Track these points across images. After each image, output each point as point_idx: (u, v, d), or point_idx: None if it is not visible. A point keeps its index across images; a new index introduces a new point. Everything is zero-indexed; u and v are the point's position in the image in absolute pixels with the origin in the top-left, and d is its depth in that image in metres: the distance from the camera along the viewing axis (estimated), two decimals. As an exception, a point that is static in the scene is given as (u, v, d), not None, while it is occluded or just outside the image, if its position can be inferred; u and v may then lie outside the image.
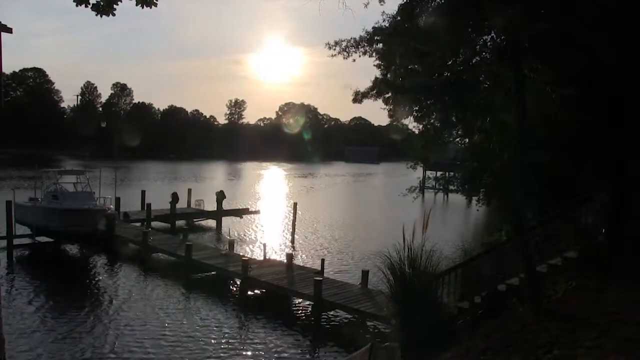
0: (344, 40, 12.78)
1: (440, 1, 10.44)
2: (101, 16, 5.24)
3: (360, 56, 12.83)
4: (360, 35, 12.67)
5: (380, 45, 12.78)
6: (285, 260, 21.08)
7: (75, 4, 5.10)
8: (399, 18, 11.79)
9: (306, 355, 14.53)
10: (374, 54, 12.98)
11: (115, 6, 5.24)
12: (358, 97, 14.26)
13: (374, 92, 14.04)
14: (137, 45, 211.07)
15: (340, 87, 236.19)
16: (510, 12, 8.09)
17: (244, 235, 31.72)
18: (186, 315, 17.01)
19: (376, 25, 12.58)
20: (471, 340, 7.80)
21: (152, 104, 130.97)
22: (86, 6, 5.16)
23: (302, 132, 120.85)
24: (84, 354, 13.86)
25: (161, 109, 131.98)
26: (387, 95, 14.06)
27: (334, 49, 12.80)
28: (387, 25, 12.31)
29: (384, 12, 12.30)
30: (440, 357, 7.43)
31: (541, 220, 10.64)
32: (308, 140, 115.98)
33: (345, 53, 12.76)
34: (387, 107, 14.88)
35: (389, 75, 13.67)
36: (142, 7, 5.28)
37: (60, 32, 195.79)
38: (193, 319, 16.64)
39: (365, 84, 15.44)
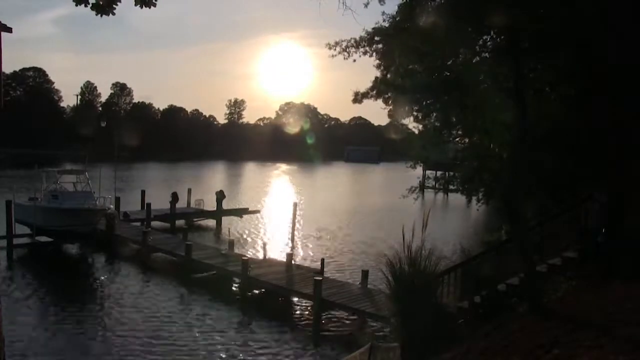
0: (344, 41, 12.80)
1: (440, 1, 10.44)
2: (101, 15, 5.24)
3: (360, 56, 12.84)
4: (361, 36, 12.68)
5: (380, 46, 12.78)
6: (285, 260, 21.09)
7: (74, 3, 5.09)
8: (398, 18, 11.79)
9: (306, 355, 14.53)
10: (374, 54, 13.00)
11: (115, 6, 5.24)
12: (358, 98, 14.26)
13: (374, 92, 14.05)
14: (132, 36, 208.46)
15: (341, 86, 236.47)
16: (510, 12, 8.09)
17: (244, 235, 31.72)
18: (186, 315, 17.01)
19: (376, 26, 12.60)
20: (471, 340, 7.80)
21: (152, 103, 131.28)
22: (85, 5, 5.16)
23: (305, 136, 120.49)
24: (83, 353, 13.88)
25: (161, 109, 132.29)
26: (387, 96, 14.07)
27: (334, 49, 12.82)
28: (387, 25, 12.32)
29: (384, 12, 12.32)
30: (440, 357, 7.43)
31: (541, 220, 10.64)
32: (310, 145, 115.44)
33: (345, 53, 12.78)
34: (387, 107, 14.89)
35: (388, 75, 13.68)
36: (142, 7, 5.28)
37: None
38: (193, 318, 16.64)
39: (365, 82, 15.46)
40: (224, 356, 13.93)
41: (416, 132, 17.97)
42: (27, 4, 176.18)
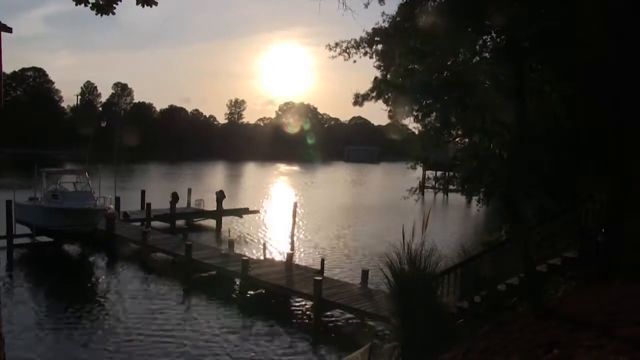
0: (345, 42, 12.81)
1: (441, 1, 10.44)
2: (101, 15, 5.24)
3: (360, 57, 12.85)
4: (361, 37, 12.69)
5: (380, 46, 12.79)
6: (285, 260, 21.08)
7: (75, 3, 5.09)
8: (398, 18, 11.79)
9: (306, 355, 14.53)
10: (374, 55, 13.00)
11: (115, 5, 5.23)
12: (358, 100, 14.26)
13: (374, 93, 14.04)
14: (130, 34, 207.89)
15: (341, 86, 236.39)
16: (510, 12, 8.09)
17: (244, 235, 31.72)
18: (186, 315, 17.01)
19: (376, 26, 12.60)
20: (471, 340, 7.79)
21: (152, 103, 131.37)
22: (85, 5, 5.15)
23: (305, 136, 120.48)
24: (83, 353, 13.87)
25: (161, 109, 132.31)
26: (387, 96, 14.06)
27: (334, 50, 12.83)
28: (387, 25, 12.32)
29: (384, 12, 12.33)
30: (440, 357, 7.42)
31: (541, 220, 10.63)
32: (311, 145, 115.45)
33: (345, 54, 12.79)
34: (388, 108, 14.89)
35: (388, 76, 13.67)
36: (143, 6, 5.27)
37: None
38: (193, 318, 16.64)
39: (365, 82, 15.44)
40: (223, 356, 13.92)
41: (416, 132, 17.94)
42: (18, 1, 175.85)
